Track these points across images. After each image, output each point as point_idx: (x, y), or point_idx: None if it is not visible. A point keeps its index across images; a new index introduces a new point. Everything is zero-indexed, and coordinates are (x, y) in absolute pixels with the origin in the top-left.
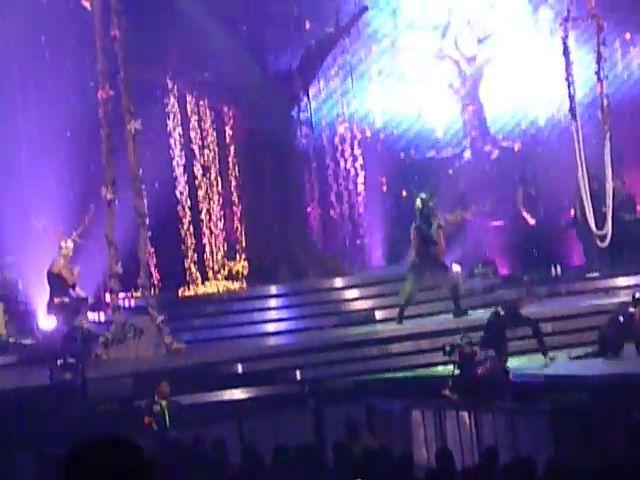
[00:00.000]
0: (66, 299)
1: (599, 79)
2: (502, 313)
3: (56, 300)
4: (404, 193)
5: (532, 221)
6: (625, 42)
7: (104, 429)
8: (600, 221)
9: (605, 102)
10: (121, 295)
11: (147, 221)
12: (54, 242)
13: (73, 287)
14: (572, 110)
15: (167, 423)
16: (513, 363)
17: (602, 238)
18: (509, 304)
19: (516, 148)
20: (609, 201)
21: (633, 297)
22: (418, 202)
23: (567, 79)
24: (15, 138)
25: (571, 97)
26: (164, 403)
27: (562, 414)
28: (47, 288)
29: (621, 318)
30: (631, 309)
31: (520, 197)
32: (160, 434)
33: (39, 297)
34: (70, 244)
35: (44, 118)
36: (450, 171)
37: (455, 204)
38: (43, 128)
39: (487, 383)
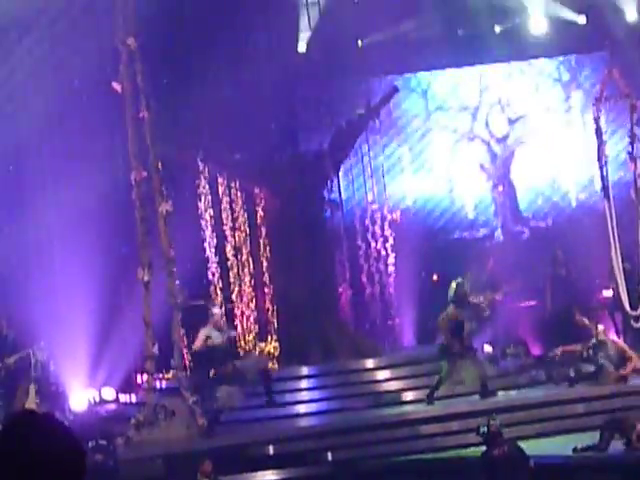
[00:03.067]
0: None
1: (632, 159)
2: None
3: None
4: (435, 277)
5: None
6: None
7: None
8: (634, 301)
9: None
10: (154, 376)
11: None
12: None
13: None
14: (605, 190)
15: None
16: (539, 444)
17: (637, 318)
18: None
19: (546, 228)
20: None
21: None
22: (453, 286)
23: (599, 159)
24: (45, 220)
25: (603, 177)
26: None
27: None
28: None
29: None
30: None
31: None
32: None
33: (70, 378)
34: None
35: (74, 200)
36: (481, 251)
37: (486, 284)
38: (73, 211)
39: (504, 466)
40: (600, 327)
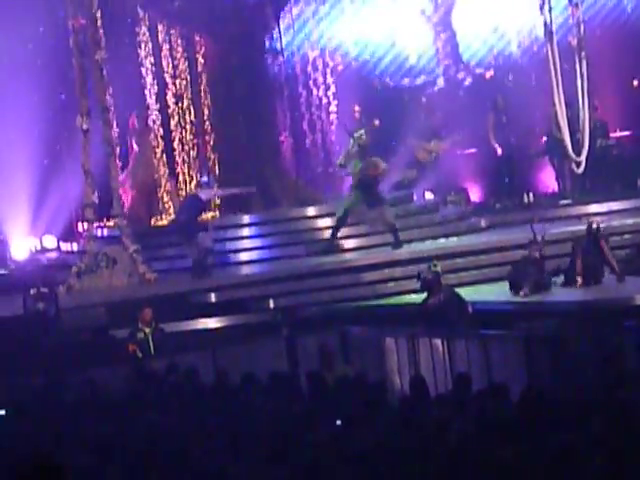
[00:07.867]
0: None
1: (572, 4)
2: None
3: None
4: (376, 122)
5: (500, 150)
6: None
7: (80, 359)
8: (574, 148)
9: (581, 28)
10: (94, 225)
11: (118, 150)
12: None
13: None
14: (548, 35)
15: (152, 350)
16: (483, 290)
17: (578, 164)
18: None
19: (488, 75)
20: (585, 127)
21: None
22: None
23: (542, 4)
24: None
25: (546, 22)
26: (147, 330)
27: (534, 340)
28: None
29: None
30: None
31: (491, 124)
32: (141, 362)
33: (10, 227)
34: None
35: (11, 49)
36: (423, 99)
37: (429, 133)
38: (11, 59)
39: (442, 312)
40: None
